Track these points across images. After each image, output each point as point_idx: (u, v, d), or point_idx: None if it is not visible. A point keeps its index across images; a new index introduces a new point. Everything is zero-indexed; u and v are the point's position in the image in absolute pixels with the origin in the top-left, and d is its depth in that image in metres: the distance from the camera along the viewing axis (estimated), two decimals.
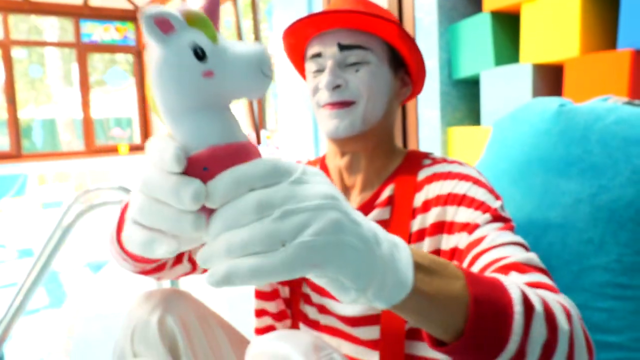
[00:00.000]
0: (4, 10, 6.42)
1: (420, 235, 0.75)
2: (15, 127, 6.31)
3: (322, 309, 0.81)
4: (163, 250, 0.41)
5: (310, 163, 0.94)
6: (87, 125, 7.00)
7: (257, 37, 4.69)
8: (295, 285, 0.85)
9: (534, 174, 0.92)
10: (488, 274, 0.61)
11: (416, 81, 0.87)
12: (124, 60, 7.89)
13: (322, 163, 0.91)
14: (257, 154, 0.42)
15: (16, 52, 7.11)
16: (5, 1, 6.34)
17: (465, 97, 2.54)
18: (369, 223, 0.44)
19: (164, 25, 0.39)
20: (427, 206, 0.76)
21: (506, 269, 0.60)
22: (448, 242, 0.72)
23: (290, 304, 0.86)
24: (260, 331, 0.88)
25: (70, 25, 7.12)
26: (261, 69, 0.40)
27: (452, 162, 0.81)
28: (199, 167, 0.39)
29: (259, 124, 4.67)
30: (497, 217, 0.69)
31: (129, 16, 7.28)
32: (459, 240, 0.70)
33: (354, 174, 0.85)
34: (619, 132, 0.86)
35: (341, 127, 0.78)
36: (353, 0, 0.81)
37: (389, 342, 0.74)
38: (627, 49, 1.71)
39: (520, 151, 0.95)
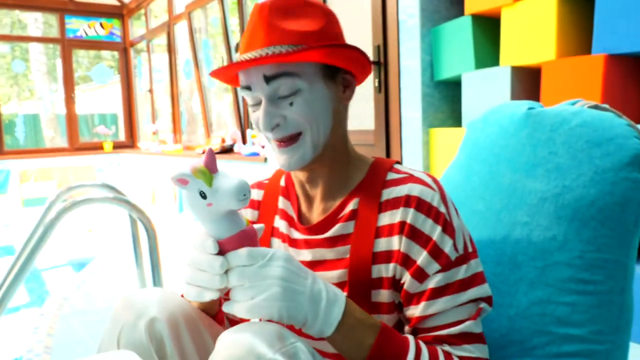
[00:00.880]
0: None
1: (388, 257, 0.78)
2: None
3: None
4: (208, 298, 0.69)
5: (276, 173, 0.96)
6: (71, 121, 6.94)
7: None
8: None
9: (503, 174, 0.95)
10: (420, 338, 0.76)
11: (360, 73, 0.86)
12: (110, 56, 7.83)
13: (287, 175, 0.93)
14: (252, 232, 0.71)
15: None
16: None
17: (447, 99, 2.58)
18: (314, 285, 0.70)
19: (182, 181, 0.68)
20: (391, 231, 0.78)
21: (440, 341, 0.75)
22: (402, 274, 0.78)
23: None
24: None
25: (55, 20, 7.05)
26: (237, 197, 0.66)
27: (416, 180, 0.80)
28: (223, 246, 0.69)
29: (244, 124, 4.68)
30: (448, 266, 0.76)
31: (114, 12, 7.24)
32: (412, 284, 0.77)
33: (315, 186, 0.86)
34: (583, 134, 0.90)
35: (292, 162, 0.79)
36: (266, 22, 0.77)
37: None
38: (600, 54, 1.76)
39: (491, 152, 0.99)
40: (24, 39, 7.47)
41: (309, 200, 0.88)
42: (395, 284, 0.79)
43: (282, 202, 0.91)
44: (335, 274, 0.81)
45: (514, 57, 2.09)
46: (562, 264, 0.86)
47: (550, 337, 0.86)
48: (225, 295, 0.90)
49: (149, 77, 6.83)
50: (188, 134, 6.33)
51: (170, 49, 6.09)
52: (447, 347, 0.75)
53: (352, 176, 0.85)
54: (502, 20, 2.13)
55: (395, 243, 0.78)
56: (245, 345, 0.63)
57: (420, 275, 0.76)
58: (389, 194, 0.80)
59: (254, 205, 0.94)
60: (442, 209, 0.78)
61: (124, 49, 7.34)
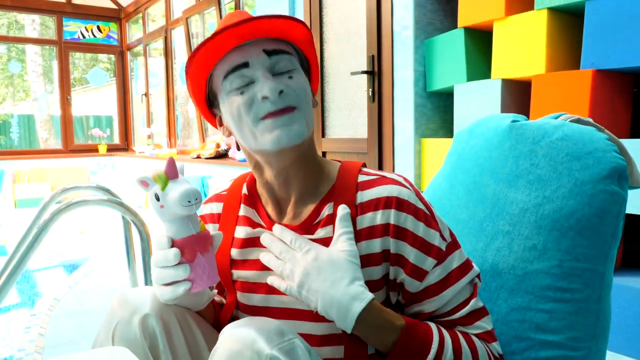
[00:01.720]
0: None
1: (368, 260, 0.79)
2: None
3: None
4: (182, 290, 0.76)
5: (236, 182, 0.94)
6: (66, 123, 6.95)
7: None
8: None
9: (486, 184, 0.99)
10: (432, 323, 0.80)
11: (314, 83, 0.88)
12: (106, 59, 7.85)
13: (249, 180, 0.91)
14: (204, 237, 0.78)
15: None
16: None
17: (439, 109, 2.62)
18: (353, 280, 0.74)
19: (144, 183, 0.77)
20: (371, 233, 0.79)
21: (453, 324, 0.79)
22: (397, 274, 0.80)
23: None
24: None
25: (51, 22, 7.07)
26: (181, 203, 0.74)
27: (389, 181, 0.81)
28: (177, 247, 0.77)
29: None
30: (442, 256, 0.79)
31: (112, 16, 7.26)
32: (411, 283, 0.79)
33: (287, 190, 0.85)
34: (564, 147, 0.93)
35: (288, 135, 0.77)
36: (243, 12, 0.79)
37: None
38: (589, 69, 1.81)
39: (475, 163, 1.02)
40: (21, 40, 7.48)
41: (279, 205, 0.87)
42: (390, 284, 0.81)
43: (244, 210, 0.90)
44: None
45: (505, 70, 2.13)
46: (541, 272, 0.90)
47: (529, 343, 0.89)
48: (217, 289, 0.93)
49: (145, 81, 6.85)
50: (183, 138, 6.35)
51: (167, 53, 6.12)
52: (461, 328, 0.79)
53: (323, 181, 0.85)
54: (494, 34, 2.18)
55: (377, 245, 0.79)
56: (244, 340, 0.65)
57: (418, 273, 0.78)
58: (363, 196, 0.81)
59: (214, 219, 0.93)
60: (420, 205, 0.80)
61: (120, 52, 7.36)
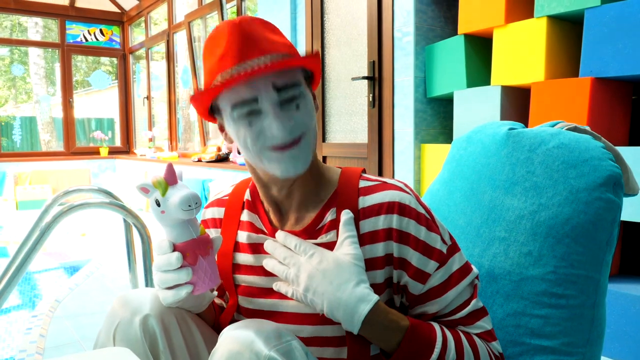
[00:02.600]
0: None
1: (373, 264, 0.80)
2: None
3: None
4: (185, 293, 0.78)
5: (238, 187, 0.95)
6: (68, 126, 6.97)
7: None
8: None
9: (483, 191, 1.00)
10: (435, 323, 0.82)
11: (315, 85, 0.89)
12: (108, 62, 7.89)
13: (252, 186, 0.93)
14: (205, 241, 0.80)
15: None
16: None
17: (439, 115, 2.64)
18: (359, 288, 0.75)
19: (144, 190, 0.79)
20: (374, 237, 0.81)
21: (455, 324, 0.82)
22: (401, 277, 0.82)
23: None
24: None
25: (54, 25, 7.11)
26: (182, 208, 0.76)
27: (390, 187, 0.82)
28: (178, 251, 0.79)
29: None
30: (444, 259, 0.81)
31: (115, 19, 7.30)
32: (415, 286, 0.81)
33: (289, 198, 0.86)
34: (560, 155, 0.95)
35: (295, 166, 0.79)
36: (248, 34, 0.77)
37: None
38: (587, 77, 1.82)
39: (473, 170, 1.04)
40: (24, 43, 7.52)
41: (280, 211, 0.88)
42: (395, 287, 0.82)
43: (246, 216, 0.91)
44: None
45: (504, 76, 2.15)
46: (536, 278, 0.91)
47: (524, 348, 0.90)
48: (218, 292, 0.95)
49: (147, 84, 6.88)
50: (184, 141, 6.37)
51: (169, 57, 6.14)
52: (462, 328, 0.82)
53: (325, 187, 0.87)
54: (494, 41, 2.20)
55: (380, 249, 0.80)
56: (243, 341, 0.68)
57: (421, 276, 0.80)
58: (365, 201, 0.82)
59: (216, 223, 0.95)
60: (421, 210, 0.82)
61: (123, 55, 7.39)
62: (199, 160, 4.85)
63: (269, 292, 0.85)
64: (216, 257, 0.87)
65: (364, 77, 2.77)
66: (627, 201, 1.64)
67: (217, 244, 0.82)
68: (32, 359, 1.96)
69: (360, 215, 0.82)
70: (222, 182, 4.29)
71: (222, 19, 4.64)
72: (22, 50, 7.75)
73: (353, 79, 2.84)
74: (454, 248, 0.83)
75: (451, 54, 2.39)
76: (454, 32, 2.56)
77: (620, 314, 1.66)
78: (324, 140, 3.23)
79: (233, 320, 0.91)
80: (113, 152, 7.27)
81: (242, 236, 0.90)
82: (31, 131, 7.35)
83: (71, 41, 7.00)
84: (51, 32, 7.62)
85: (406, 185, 0.85)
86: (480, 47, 2.37)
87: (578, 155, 0.94)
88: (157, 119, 6.94)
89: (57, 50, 7.04)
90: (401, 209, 0.80)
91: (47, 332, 2.25)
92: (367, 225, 0.81)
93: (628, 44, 1.72)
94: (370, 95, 2.77)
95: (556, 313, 0.90)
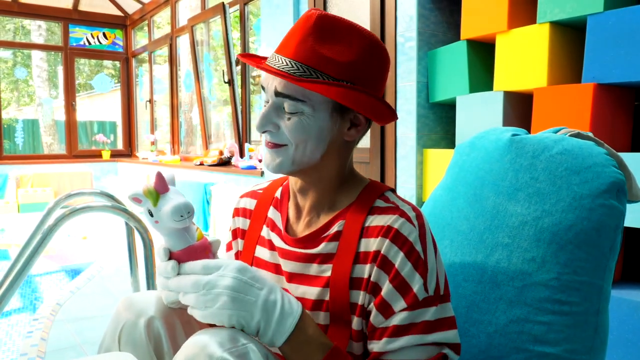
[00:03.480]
0: None
1: (359, 284, 0.79)
2: None
3: None
4: (172, 299, 0.81)
5: (273, 183, 0.99)
6: (71, 129, 6.99)
7: (245, 49, 4.77)
8: None
9: (487, 197, 1.00)
10: None
11: (377, 119, 0.84)
12: (111, 65, 7.91)
13: (285, 186, 0.96)
14: (202, 247, 0.80)
15: (1, 53, 7.09)
16: None
17: (442, 120, 2.64)
18: (270, 295, 0.74)
19: (136, 199, 0.78)
20: (365, 258, 0.80)
21: None
22: (370, 303, 0.79)
23: None
24: None
25: (57, 27, 7.13)
26: (174, 218, 0.76)
27: (399, 212, 0.80)
28: (176, 258, 0.79)
29: (242, 137, 4.73)
30: (415, 305, 0.76)
31: (118, 23, 7.32)
32: (376, 317, 0.78)
33: (305, 197, 0.89)
34: (563, 162, 0.95)
35: (273, 164, 0.83)
36: (304, 34, 0.79)
37: None
38: (590, 83, 1.82)
39: (476, 175, 1.04)
40: (27, 46, 7.54)
41: (299, 210, 0.90)
42: (364, 313, 0.80)
43: (271, 212, 0.94)
44: (315, 290, 0.83)
45: (507, 82, 2.15)
46: (539, 284, 0.91)
47: (527, 355, 0.90)
48: None
49: (150, 88, 6.89)
50: (186, 145, 6.38)
51: (172, 60, 6.16)
52: None
53: (342, 198, 0.87)
54: (496, 47, 2.20)
55: (367, 271, 0.79)
56: (199, 345, 0.69)
57: (385, 308, 0.77)
58: (371, 221, 0.81)
59: (247, 214, 0.98)
60: (418, 247, 0.78)
61: (125, 59, 7.41)
62: (201, 164, 4.86)
63: None
64: (218, 258, 0.88)
65: None
66: (629, 207, 1.64)
67: (216, 247, 0.83)
68: None
69: (362, 233, 0.81)
70: (224, 186, 4.29)
71: (225, 23, 4.65)
72: (25, 53, 7.78)
73: None
74: (434, 300, 0.77)
75: (454, 60, 2.39)
76: (456, 37, 2.57)
77: (622, 321, 1.65)
78: None
79: None
80: (115, 155, 7.28)
81: (265, 231, 0.93)
82: (33, 134, 7.37)
83: (74, 44, 7.02)
84: (54, 35, 7.64)
85: (419, 217, 0.81)
86: (482, 53, 2.37)
87: (581, 161, 0.94)
88: (160, 123, 6.95)
89: (60, 54, 7.06)
90: (395, 237, 0.78)
91: (48, 336, 2.24)
92: (364, 244, 0.80)
93: (630, 50, 1.72)
94: None
95: (560, 320, 0.89)
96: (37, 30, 7.74)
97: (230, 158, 4.71)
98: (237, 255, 0.99)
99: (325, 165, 0.85)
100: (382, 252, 0.78)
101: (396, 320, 0.76)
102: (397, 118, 0.85)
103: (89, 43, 7.14)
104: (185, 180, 5.04)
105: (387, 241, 0.78)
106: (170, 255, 0.79)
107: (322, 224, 0.86)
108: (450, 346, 0.78)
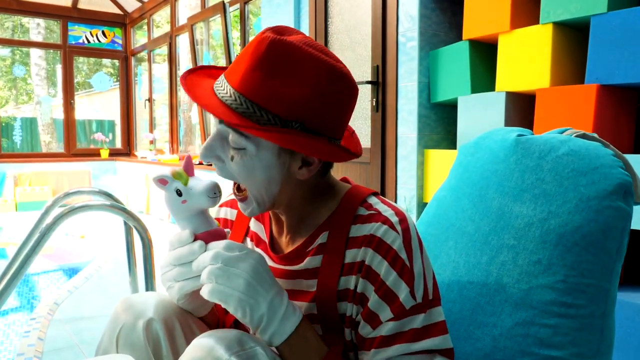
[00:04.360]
0: None
1: (346, 295, 0.78)
2: None
3: None
4: (190, 288, 0.77)
5: None
6: (69, 127, 6.96)
7: None
8: None
9: (492, 197, 0.99)
10: None
11: (328, 159, 0.78)
12: (110, 64, 7.88)
13: None
14: (223, 233, 0.80)
15: None
16: None
17: (443, 120, 2.62)
18: (276, 296, 0.72)
19: (162, 181, 0.79)
20: (351, 269, 0.77)
21: None
22: (358, 314, 0.78)
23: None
24: None
25: (56, 26, 7.11)
26: (208, 195, 0.77)
27: (382, 219, 0.77)
28: (201, 239, 0.78)
29: None
30: (402, 314, 0.74)
31: (117, 21, 7.30)
32: (363, 327, 0.77)
33: (282, 215, 0.86)
34: (570, 163, 0.93)
35: (247, 213, 0.81)
36: (252, 63, 0.72)
37: None
38: (593, 84, 1.81)
39: (481, 176, 1.02)
40: (26, 44, 7.51)
41: (280, 224, 0.88)
42: (353, 324, 0.79)
43: (254, 225, 0.92)
44: (304, 305, 0.81)
45: (509, 82, 2.14)
46: (545, 287, 0.89)
47: (533, 358, 0.88)
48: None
49: (149, 87, 6.87)
50: (185, 144, 6.36)
51: (171, 59, 6.14)
52: None
53: (321, 210, 0.83)
54: (499, 47, 2.19)
55: (352, 282, 0.77)
56: (205, 348, 0.68)
57: (372, 319, 0.75)
58: (356, 230, 0.78)
59: (227, 225, 0.95)
60: (403, 254, 0.75)
61: (125, 57, 7.39)
62: (200, 164, 4.84)
63: None
64: None
65: (367, 82, 2.76)
66: (635, 209, 1.62)
67: (228, 237, 0.83)
68: None
69: (347, 244, 0.78)
70: (223, 185, 4.26)
71: (225, 22, 4.64)
72: (23, 51, 7.75)
73: (357, 83, 2.83)
74: (423, 307, 0.75)
75: (456, 60, 2.38)
76: (458, 37, 2.55)
77: (626, 324, 1.64)
78: None
79: (235, 324, 0.90)
80: (114, 154, 7.26)
81: (248, 244, 0.91)
82: (32, 132, 7.34)
83: (73, 42, 7.00)
84: (53, 33, 7.61)
85: (402, 221, 0.78)
86: (484, 53, 2.36)
87: (588, 162, 0.93)
88: (159, 122, 6.93)
89: (58, 52, 7.03)
90: (378, 246, 0.75)
91: (46, 335, 2.23)
92: (349, 255, 0.78)
93: (634, 51, 1.71)
94: (374, 99, 2.76)
95: (566, 322, 0.88)
96: (36, 28, 7.71)
97: None
98: None
99: (289, 197, 0.81)
100: (366, 262, 0.76)
101: (383, 330, 0.75)
102: (357, 156, 0.81)
103: (88, 41, 7.12)
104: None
105: (370, 251, 0.76)
106: (195, 238, 0.78)
107: (304, 239, 0.83)
108: (442, 352, 0.76)
